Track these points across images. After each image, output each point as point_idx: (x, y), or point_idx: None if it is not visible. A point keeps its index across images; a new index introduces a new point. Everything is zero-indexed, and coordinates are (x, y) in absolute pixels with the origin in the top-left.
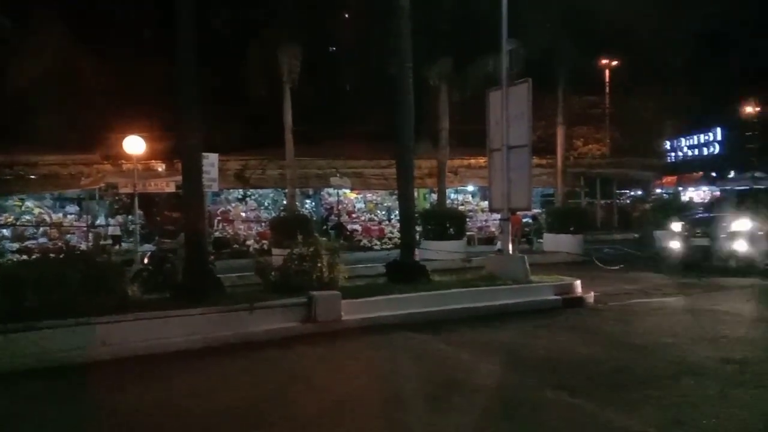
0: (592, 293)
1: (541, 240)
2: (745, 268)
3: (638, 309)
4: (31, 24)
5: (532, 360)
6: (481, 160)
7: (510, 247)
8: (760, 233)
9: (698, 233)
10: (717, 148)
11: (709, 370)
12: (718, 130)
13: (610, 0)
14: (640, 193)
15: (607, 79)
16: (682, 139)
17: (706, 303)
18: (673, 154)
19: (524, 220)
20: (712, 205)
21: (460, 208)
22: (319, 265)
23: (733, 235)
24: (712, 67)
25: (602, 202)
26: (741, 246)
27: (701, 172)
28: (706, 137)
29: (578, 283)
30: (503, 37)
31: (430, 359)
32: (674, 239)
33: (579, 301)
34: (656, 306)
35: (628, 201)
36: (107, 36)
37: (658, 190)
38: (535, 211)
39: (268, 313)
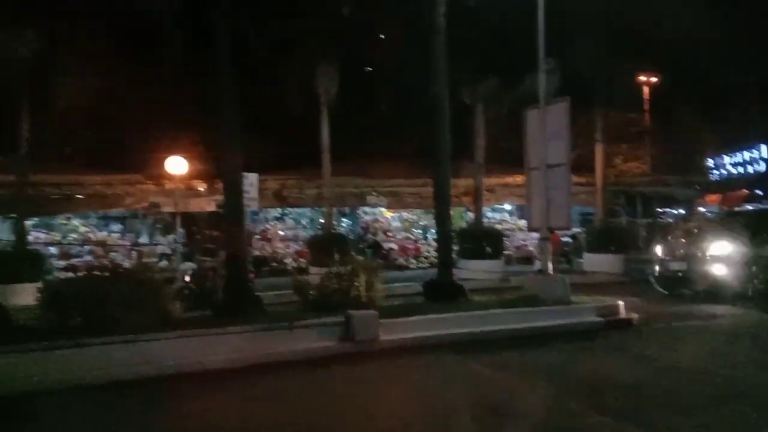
0: (636, 315)
1: (580, 260)
2: (720, 293)
3: (684, 331)
4: (75, 45)
5: (574, 383)
6: (519, 179)
7: (550, 266)
8: (738, 258)
9: (676, 256)
10: (762, 166)
11: (760, 396)
12: (763, 147)
13: (649, 15)
14: (682, 211)
15: (646, 96)
16: (726, 157)
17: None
18: (716, 171)
19: (563, 239)
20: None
21: (497, 226)
22: (356, 284)
23: (711, 259)
24: (756, 83)
25: (643, 220)
26: (718, 270)
27: (746, 191)
28: (751, 154)
29: (621, 304)
30: (541, 55)
31: (470, 382)
32: (654, 263)
33: (622, 323)
34: (702, 328)
35: (670, 220)
36: (150, 57)
37: (701, 209)
38: (575, 230)
39: (306, 331)
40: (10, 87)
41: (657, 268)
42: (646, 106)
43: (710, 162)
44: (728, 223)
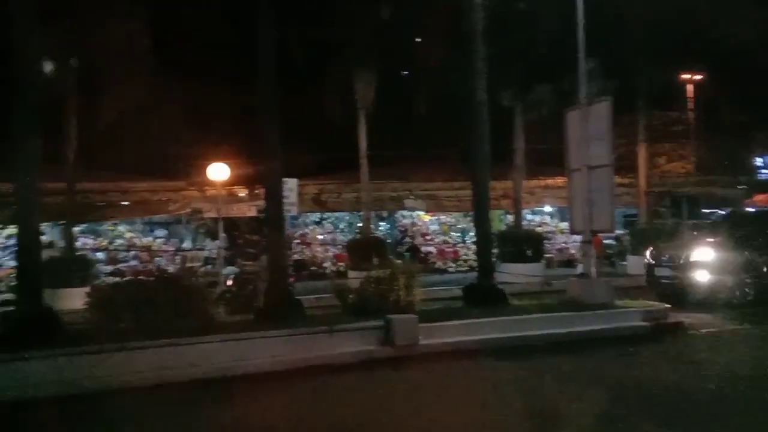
0: (683, 319)
1: (624, 262)
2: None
3: (736, 336)
4: (121, 55)
5: (621, 389)
6: (559, 181)
7: (593, 270)
8: (724, 264)
9: (664, 261)
10: None
11: None
12: None
13: (692, 11)
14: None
15: (690, 94)
16: None
17: None
18: (765, 171)
19: (606, 242)
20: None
21: (538, 229)
22: (395, 288)
23: (693, 265)
24: None
25: (689, 221)
26: (701, 277)
27: None
28: None
29: (667, 308)
30: (581, 54)
31: (513, 388)
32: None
33: (670, 328)
34: (753, 333)
35: (717, 221)
36: (193, 66)
37: (749, 209)
38: (618, 232)
39: (346, 335)
40: (59, 97)
41: (647, 273)
42: (691, 105)
43: (758, 161)
44: (719, 227)
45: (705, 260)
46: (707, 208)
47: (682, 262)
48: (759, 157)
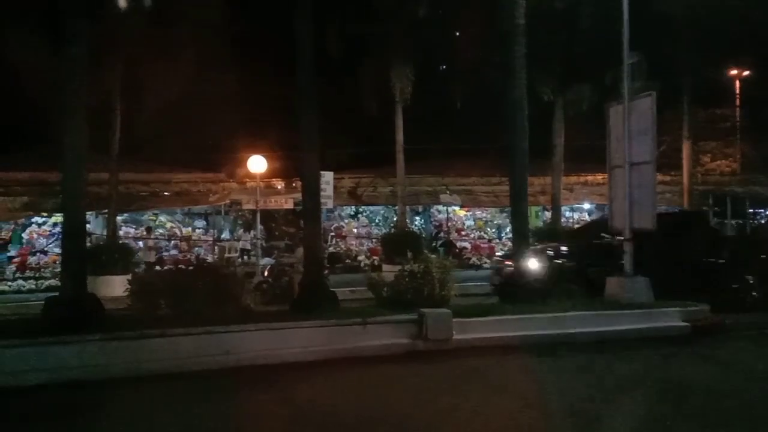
0: (724, 320)
1: None
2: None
3: None
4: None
5: (659, 390)
6: (599, 177)
7: (632, 268)
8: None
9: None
10: None
11: None
12: None
13: (739, 5)
14: None
15: (737, 90)
16: None
17: None
18: None
19: None
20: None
21: (576, 226)
22: (429, 282)
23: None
24: None
25: (734, 222)
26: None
27: None
28: None
29: (708, 308)
30: (625, 47)
31: (550, 386)
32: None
33: (711, 329)
34: None
35: (763, 221)
36: (233, 61)
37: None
38: None
39: (379, 328)
40: (104, 90)
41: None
42: (737, 102)
43: None
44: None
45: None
46: (753, 207)
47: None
48: None
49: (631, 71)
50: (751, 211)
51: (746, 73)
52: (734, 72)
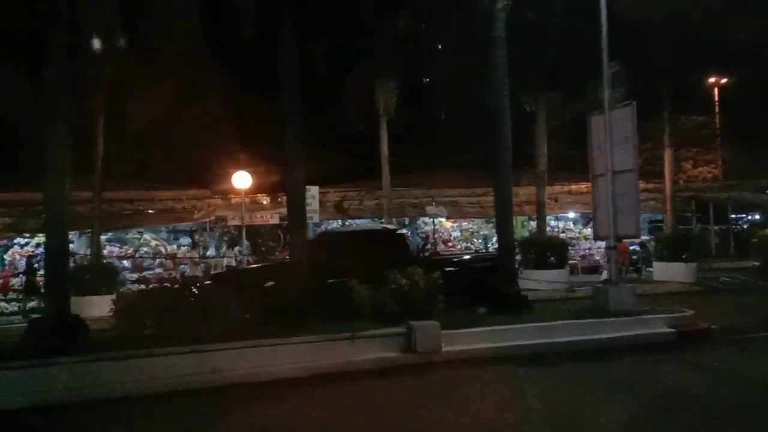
0: (710, 326)
1: (650, 269)
2: None
3: (761, 343)
4: (146, 68)
5: (647, 398)
6: (583, 186)
7: (618, 276)
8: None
9: None
10: None
11: None
12: None
13: (717, 14)
14: (758, 217)
15: (716, 97)
16: None
17: None
18: None
19: (631, 248)
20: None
21: (561, 235)
22: (417, 294)
23: None
24: None
25: (716, 227)
26: None
27: None
28: None
29: (693, 315)
30: (605, 57)
31: (538, 395)
32: None
33: (696, 335)
34: None
35: (745, 226)
36: (217, 77)
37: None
38: (644, 238)
39: (368, 342)
40: (87, 109)
41: None
42: (717, 108)
43: None
44: None
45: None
46: (735, 213)
47: None
48: None
49: (612, 80)
50: (733, 216)
51: (724, 80)
52: (713, 80)
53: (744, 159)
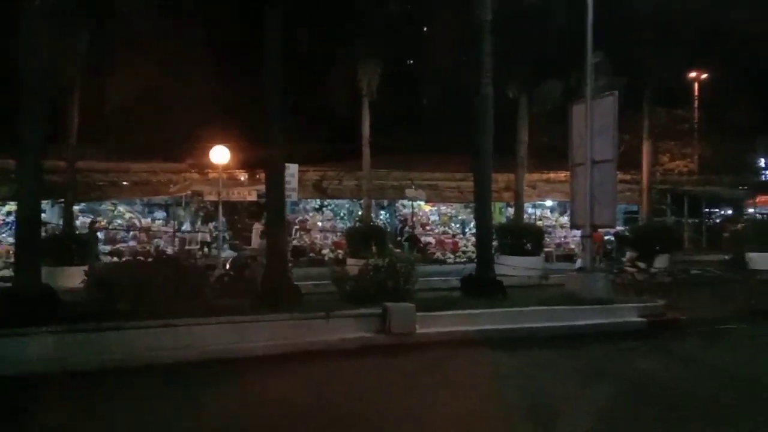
0: (680, 316)
1: (624, 259)
2: None
3: (729, 334)
4: (125, 39)
5: (615, 385)
6: (562, 175)
7: (592, 265)
8: None
9: None
10: None
11: None
12: None
13: (700, 8)
14: (730, 212)
15: (696, 92)
16: None
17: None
18: None
19: (606, 238)
20: None
21: (538, 223)
22: (393, 276)
23: None
24: None
25: (690, 220)
26: None
27: None
28: None
29: (664, 304)
30: (588, 49)
31: (507, 379)
32: None
33: (666, 324)
34: (748, 331)
35: (718, 220)
36: (197, 50)
37: (751, 210)
38: (618, 228)
39: (343, 322)
40: (63, 78)
41: None
42: (696, 103)
43: (762, 162)
44: None
45: None
46: (709, 207)
47: None
48: (763, 158)
49: (594, 71)
50: (706, 210)
51: (704, 76)
52: (693, 75)
53: (720, 154)
